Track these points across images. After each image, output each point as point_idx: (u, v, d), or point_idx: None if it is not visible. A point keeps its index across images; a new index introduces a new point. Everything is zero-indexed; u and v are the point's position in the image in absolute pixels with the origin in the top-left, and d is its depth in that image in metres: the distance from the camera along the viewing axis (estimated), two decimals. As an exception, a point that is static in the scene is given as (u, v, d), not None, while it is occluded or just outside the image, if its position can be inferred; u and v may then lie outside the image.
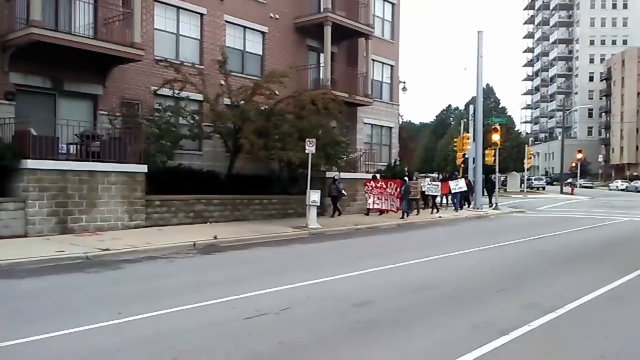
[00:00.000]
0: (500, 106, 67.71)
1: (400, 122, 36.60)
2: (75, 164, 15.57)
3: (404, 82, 33.35)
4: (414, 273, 10.88)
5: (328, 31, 24.32)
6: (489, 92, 64.74)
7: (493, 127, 31.25)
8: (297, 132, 19.73)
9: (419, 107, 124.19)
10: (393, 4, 30.56)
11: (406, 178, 23.86)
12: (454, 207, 27.57)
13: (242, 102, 19.76)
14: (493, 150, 32.14)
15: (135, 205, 16.87)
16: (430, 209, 25.88)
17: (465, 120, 42.27)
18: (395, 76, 31.18)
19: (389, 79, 30.76)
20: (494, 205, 29.62)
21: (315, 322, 7.06)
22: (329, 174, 22.57)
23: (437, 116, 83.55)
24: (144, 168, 16.95)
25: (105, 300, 8.23)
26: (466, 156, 34.29)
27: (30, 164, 14.51)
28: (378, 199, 23.64)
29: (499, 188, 35.95)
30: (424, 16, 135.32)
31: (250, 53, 23.36)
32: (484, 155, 32.26)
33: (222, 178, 20.52)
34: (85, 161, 15.80)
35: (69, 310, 7.61)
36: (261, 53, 23.69)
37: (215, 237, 15.20)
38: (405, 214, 22.84)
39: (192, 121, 19.39)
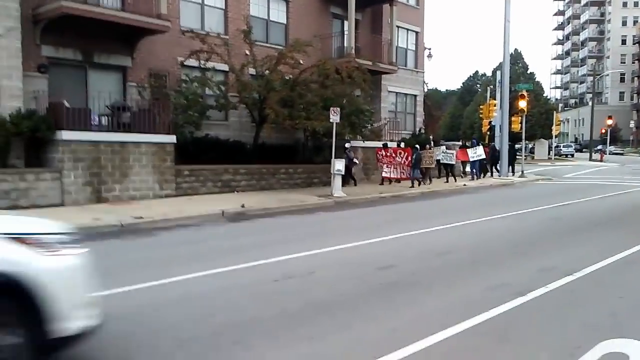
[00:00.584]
0: (528, 72, 66.54)
1: (426, 90, 36.40)
2: (108, 135, 16.09)
3: (430, 49, 33.08)
4: (436, 239, 11.17)
5: (352, -3, 24.19)
6: (517, 58, 63.60)
7: (520, 93, 30.87)
8: (322, 102, 19.93)
9: (445, 74, 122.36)
10: (418, -31, 30.12)
11: (417, 146, 23.32)
12: (473, 176, 27.00)
13: (267, 71, 19.96)
14: (520, 117, 31.84)
15: (166, 175, 17.40)
16: (446, 178, 25.56)
17: (492, 87, 41.78)
18: (420, 43, 30.91)
19: (413, 45, 30.52)
20: (519, 173, 29.48)
21: (339, 284, 7.43)
22: (354, 143, 22.72)
23: (463, 83, 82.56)
24: (173, 138, 17.41)
25: (142, 264, 8.75)
26: (492, 124, 34.06)
27: (65, 135, 15.07)
28: (387, 167, 23.37)
29: (526, 156, 35.72)
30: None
31: (275, 22, 23.44)
32: (510, 123, 32.03)
33: (248, 148, 20.91)
34: (116, 132, 16.30)
35: (110, 273, 8.07)
36: (285, 22, 23.74)
37: (243, 206, 15.65)
38: (418, 182, 22.59)
39: (218, 92, 19.73)
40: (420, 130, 30.49)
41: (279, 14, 23.57)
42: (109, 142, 15.96)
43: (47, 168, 15.22)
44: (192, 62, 19.22)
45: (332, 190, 19.00)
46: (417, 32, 30.40)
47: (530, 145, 60.38)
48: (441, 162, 25.67)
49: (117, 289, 7.08)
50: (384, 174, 23.55)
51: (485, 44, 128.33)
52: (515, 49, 66.10)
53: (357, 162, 22.59)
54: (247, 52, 20.16)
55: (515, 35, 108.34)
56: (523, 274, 8.01)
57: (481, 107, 39.05)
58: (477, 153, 26.82)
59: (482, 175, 28.02)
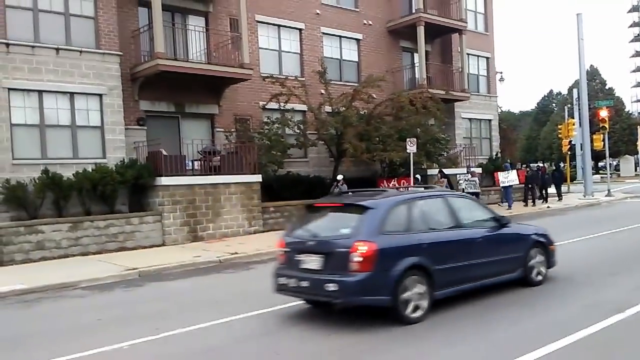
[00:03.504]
0: (606, 87, 64.13)
1: (499, 112, 36.09)
2: (200, 178, 17.30)
3: (501, 73, 32.97)
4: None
5: (421, 31, 24.78)
6: (593, 74, 61.61)
7: (600, 110, 30.05)
8: (397, 133, 20.47)
9: (517, 95, 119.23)
10: (485, -4, 30.37)
11: (418, 177, 20.66)
12: (507, 204, 23.63)
13: (343, 108, 20.73)
14: (602, 135, 30.90)
15: (253, 212, 18.38)
16: None
17: (569, 105, 40.80)
18: (491, 68, 30.91)
19: (485, 71, 30.56)
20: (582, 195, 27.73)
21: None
22: (430, 171, 22.86)
23: (538, 103, 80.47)
24: (258, 177, 18.44)
25: (248, 295, 9.46)
26: (572, 143, 33.23)
27: (164, 180, 16.40)
28: None
29: (611, 174, 34.43)
30: (518, 3, 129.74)
31: (347, 60, 24.36)
32: (592, 140, 31.15)
33: (327, 182, 21.62)
34: (208, 175, 17.49)
35: (221, 304, 8.90)
36: (357, 59, 24.63)
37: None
38: None
39: (297, 130, 20.70)
40: (497, 155, 30.24)
41: (350, 53, 24.51)
42: (202, 185, 17.14)
43: (149, 211, 16.56)
44: (272, 104, 20.34)
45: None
46: (487, 58, 30.45)
47: (614, 163, 57.81)
48: (465, 191, 22.23)
49: (234, 316, 7.79)
50: None
51: (559, 62, 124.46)
52: (591, 65, 64.03)
53: None
54: (323, 91, 21.07)
55: (590, 51, 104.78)
56: (619, 292, 8.06)
57: (559, 126, 38.11)
58: (509, 178, 23.71)
59: (535, 201, 25.38)
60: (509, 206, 23.33)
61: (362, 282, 6.60)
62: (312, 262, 7.09)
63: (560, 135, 37.03)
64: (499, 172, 24.49)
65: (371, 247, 6.67)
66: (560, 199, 27.25)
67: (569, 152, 34.58)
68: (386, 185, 20.95)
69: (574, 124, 34.42)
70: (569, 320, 6.76)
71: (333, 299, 6.81)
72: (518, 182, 24.72)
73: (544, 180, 26.68)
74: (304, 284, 7.08)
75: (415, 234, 7.23)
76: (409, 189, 20.27)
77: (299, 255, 7.29)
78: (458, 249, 7.59)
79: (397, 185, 21.00)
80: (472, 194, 22.41)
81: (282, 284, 7.51)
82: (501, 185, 24.16)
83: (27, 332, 7.68)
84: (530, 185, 25.53)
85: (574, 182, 42.99)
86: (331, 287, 6.72)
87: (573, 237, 14.01)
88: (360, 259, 6.63)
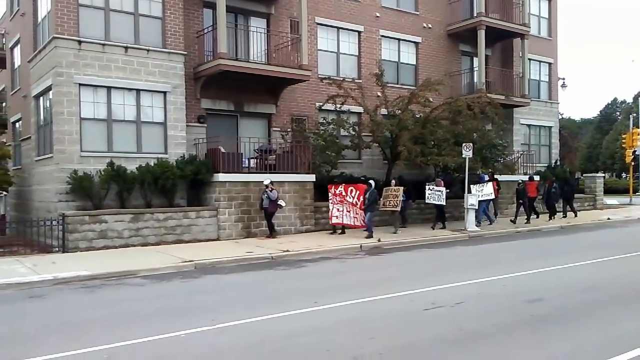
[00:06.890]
0: (676, 96, 61.06)
1: (560, 119, 35.06)
2: (256, 175, 17.68)
3: (563, 79, 31.99)
4: (581, 274, 11.00)
5: (482, 35, 24.40)
6: (662, 82, 58.85)
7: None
8: (453, 137, 20.21)
9: (579, 102, 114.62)
10: (549, 0, 29.58)
11: (371, 182, 18.10)
12: (479, 220, 20.32)
13: (399, 111, 20.67)
14: (669, 146, 29.59)
15: (306, 212, 18.63)
16: (434, 222, 20.01)
17: (634, 114, 39.23)
18: (553, 74, 30.09)
19: (546, 77, 29.78)
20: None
21: (489, 314, 7.77)
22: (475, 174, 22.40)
23: (601, 111, 77.43)
24: (312, 177, 18.69)
25: (300, 292, 9.68)
26: (637, 153, 31.98)
27: (221, 177, 16.89)
28: (338, 210, 18.12)
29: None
30: (584, 7, 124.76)
31: (405, 63, 24.27)
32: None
33: (380, 184, 21.60)
34: (263, 173, 17.85)
35: (274, 299, 9.13)
36: (415, 63, 24.50)
37: (379, 240, 16.35)
38: (369, 231, 17.27)
39: (352, 132, 20.80)
40: (556, 162, 29.41)
41: (408, 56, 24.39)
42: (257, 182, 17.51)
43: (206, 206, 17.07)
44: (328, 105, 20.51)
45: (465, 225, 19.09)
46: (550, 63, 29.65)
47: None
48: (426, 201, 19.98)
49: (283, 312, 8.02)
50: (333, 219, 18.24)
51: (623, 69, 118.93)
52: (660, 72, 61.24)
53: (282, 204, 17.25)
54: (379, 94, 21.07)
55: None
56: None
57: (623, 136, 36.73)
58: (484, 192, 20.30)
59: (526, 218, 21.84)
60: (479, 222, 20.20)
61: None
62: None
63: (624, 145, 35.72)
64: (471, 185, 20.18)
65: None
66: (565, 216, 24.01)
67: (632, 163, 33.31)
68: (334, 191, 18.22)
69: (639, 134, 33.13)
70: (625, 337, 6.61)
71: None
72: (494, 197, 21.29)
73: (549, 195, 23.42)
74: None
75: None
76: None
77: None
78: None
79: (343, 191, 18.08)
80: (436, 206, 19.85)
81: None
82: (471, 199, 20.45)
83: (91, 318, 8.11)
84: (521, 201, 22.16)
85: (637, 193, 41.27)
86: None
87: (626, 252, 13.52)
88: None
